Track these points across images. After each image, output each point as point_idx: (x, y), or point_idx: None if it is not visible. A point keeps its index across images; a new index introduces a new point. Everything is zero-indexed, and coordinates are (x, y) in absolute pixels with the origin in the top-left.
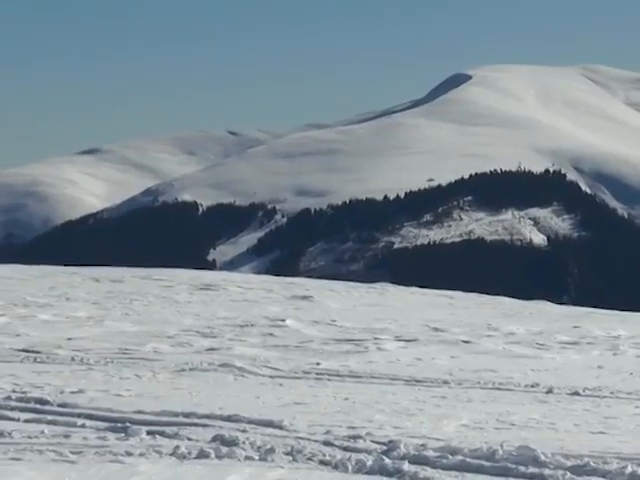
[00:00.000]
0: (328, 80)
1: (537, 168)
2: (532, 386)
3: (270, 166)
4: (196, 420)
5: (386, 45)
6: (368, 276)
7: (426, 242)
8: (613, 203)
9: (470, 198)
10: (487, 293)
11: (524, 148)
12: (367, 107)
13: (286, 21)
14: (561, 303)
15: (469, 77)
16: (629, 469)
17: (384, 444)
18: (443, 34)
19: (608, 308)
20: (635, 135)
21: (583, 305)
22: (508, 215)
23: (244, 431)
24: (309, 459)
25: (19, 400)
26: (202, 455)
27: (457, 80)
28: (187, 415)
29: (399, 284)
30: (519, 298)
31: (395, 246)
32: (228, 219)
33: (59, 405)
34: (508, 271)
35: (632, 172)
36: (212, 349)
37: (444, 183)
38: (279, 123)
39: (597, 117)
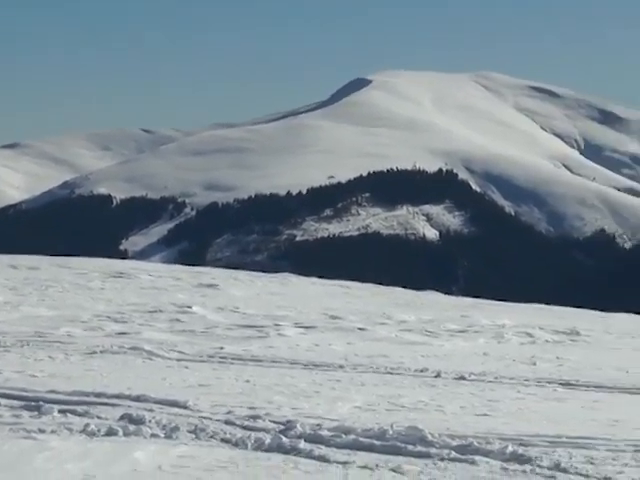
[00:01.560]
0: (238, 82)
1: (431, 167)
2: (421, 371)
3: (181, 162)
4: (106, 400)
5: (292, 49)
6: (271, 266)
7: (326, 235)
8: (501, 201)
9: (368, 194)
10: (382, 284)
11: (419, 149)
12: (274, 108)
13: (198, 25)
14: (451, 294)
15: (369, 81)
16: (510, 449)
17: (282, 424)
18: (346, 39)
19: (494, 299)
20: (523, 138)
21: (471, 296)
22: (403, 211)
23: (151, 410)
24: (211, 437)
25: None
26: (111, 433)
27: (358, 84)
28: (97, 395)
29: (300, 274)
30: (412, 289)
31: (297, 239)
32: (140, 211)
33: None
34: (402, 263)
35: (519, 173)
36: (122, 333)
37: (344, 180)
38: (190, 122)
39: (488, 121)
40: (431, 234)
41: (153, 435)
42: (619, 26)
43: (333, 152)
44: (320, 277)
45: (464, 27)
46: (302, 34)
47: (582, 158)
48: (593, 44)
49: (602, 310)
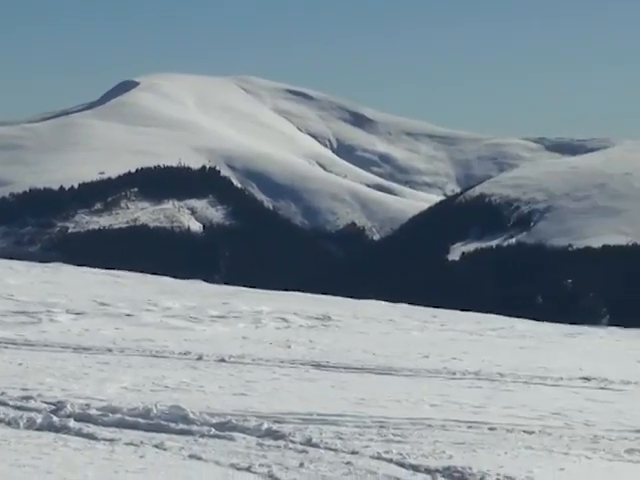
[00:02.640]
0: (11, 81)
1: (195, 164)
2: (185, 354)
3: None
4: None
5: (63, 51)
6: (45, 257)
7: (97, 227)
8: (260, 196)
9: (136, 189)
10: (150, 273)
11: (185, 147)
12: (47, 107)
13: None
14: (213, 282)
15: (137, 83)
16: (265, 426)
17: (53, 404)
18: (114, 42)
19: (254, 287)
20: (281, 138)
21: (232, 284)
22: (169, 205)
23: None
24: None
25: None
26: None
27: (126, 86)
28: None
29: (72, 265)
30: (177, 278)
31: (69, 231)
32: None
33: None
34: (169, 254)
35: (277, 170)
36: None
37: (114, 176)
38: None
39: (249, 122)
40: (195, 227)
41: None
42: (369, 32)
43: (104, 150)
44: (91, 267)
45: (226, 31)
46: (74, 37)
47: (335, 157)
48: (344, 48)
49: (352, 297)
